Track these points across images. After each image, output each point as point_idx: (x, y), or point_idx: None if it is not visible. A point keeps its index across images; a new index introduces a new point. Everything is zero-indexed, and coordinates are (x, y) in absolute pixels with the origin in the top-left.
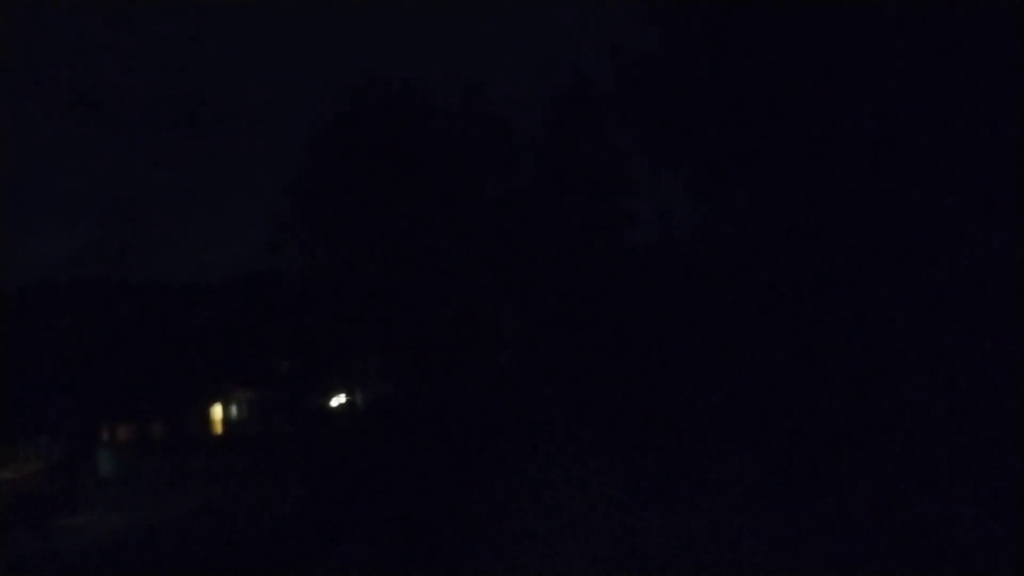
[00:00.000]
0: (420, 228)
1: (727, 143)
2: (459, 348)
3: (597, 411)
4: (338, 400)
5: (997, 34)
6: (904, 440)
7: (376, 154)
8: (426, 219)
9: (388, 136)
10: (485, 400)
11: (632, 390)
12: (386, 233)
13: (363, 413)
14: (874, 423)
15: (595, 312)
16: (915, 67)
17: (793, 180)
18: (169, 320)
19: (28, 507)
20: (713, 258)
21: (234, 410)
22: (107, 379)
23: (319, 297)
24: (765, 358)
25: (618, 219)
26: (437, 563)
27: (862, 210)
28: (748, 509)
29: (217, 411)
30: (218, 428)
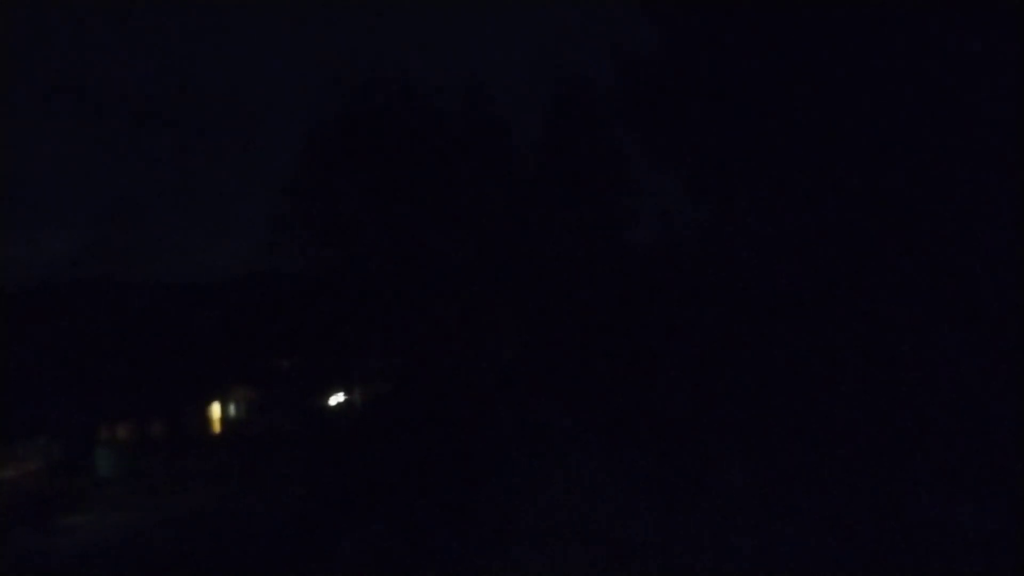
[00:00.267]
0: (420, 228)
1: (727, 143)
2: (458, 348)
3: (597, 411)
4: (337, 399)
5: (997, 34)
6: (903, 440)
7: (376, 154)
8: (426, 219)
9: (388, 136)
10: (485, 400)
11: (632, 390)
12: (386, 233)
13: (362, 412)
14: (874, 423)
15: (595, 312)
16: (915, 67)
17: (793, 180)
18: (169, 320)
19: (28, 506)
20: (713, 258)
21: (233, 409)
22: (107, 379)
23: (319, 297)
24: (765, 358)
25: (618, 219)
26: (437, 563)
27: (862, 210)
28: (748, 509)
29: (216, 410)
30: (217, 427)
